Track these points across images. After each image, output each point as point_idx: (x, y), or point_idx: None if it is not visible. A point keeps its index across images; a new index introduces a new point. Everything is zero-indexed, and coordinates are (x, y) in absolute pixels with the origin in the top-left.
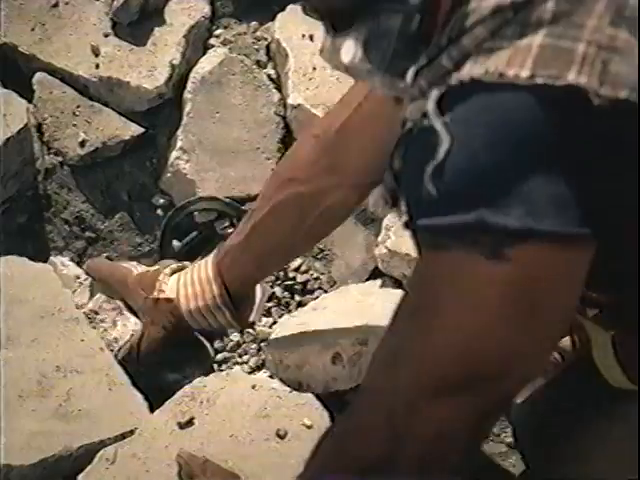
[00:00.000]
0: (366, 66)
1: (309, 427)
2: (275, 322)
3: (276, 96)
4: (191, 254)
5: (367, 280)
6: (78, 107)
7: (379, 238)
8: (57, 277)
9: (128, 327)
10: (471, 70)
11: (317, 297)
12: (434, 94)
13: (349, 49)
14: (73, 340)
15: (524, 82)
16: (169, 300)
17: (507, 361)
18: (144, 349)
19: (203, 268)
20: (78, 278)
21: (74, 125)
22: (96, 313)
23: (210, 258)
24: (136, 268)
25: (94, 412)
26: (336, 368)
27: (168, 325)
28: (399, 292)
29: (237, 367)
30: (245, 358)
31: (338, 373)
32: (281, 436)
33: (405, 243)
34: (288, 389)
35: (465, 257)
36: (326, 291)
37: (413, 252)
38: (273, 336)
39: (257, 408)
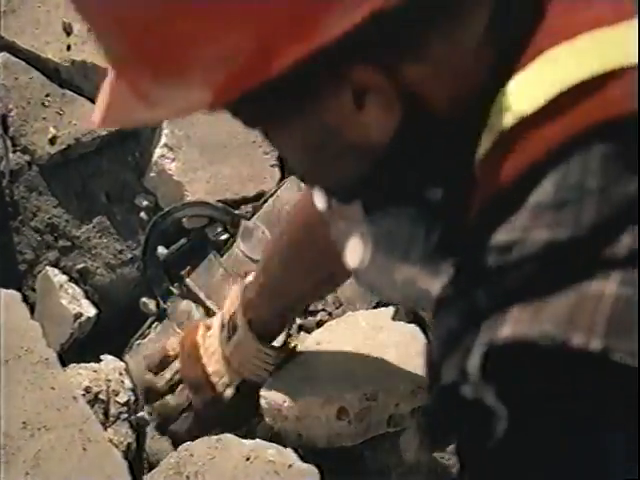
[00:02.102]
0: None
1: None
2: None
3: None
4: (179, 263)
5: (378, 304)
6: (47, 96)
7: None
8: (24, 306)
9: None
10: (520, 327)
11: (320, 320)
12: (473, 362)
13: (355, 250)
14: (42, 389)
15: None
16: None
17: None
18: None
19: None
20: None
21: (43, 118)
22: None
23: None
24: None
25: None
26: (341, 423)
27: None
28: (413, 328)
29: None
30: None
31: (343, 429)
32: None
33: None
34: (287, 463)
35: None
36: (330, 313)
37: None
38: (269, 379)
39: None
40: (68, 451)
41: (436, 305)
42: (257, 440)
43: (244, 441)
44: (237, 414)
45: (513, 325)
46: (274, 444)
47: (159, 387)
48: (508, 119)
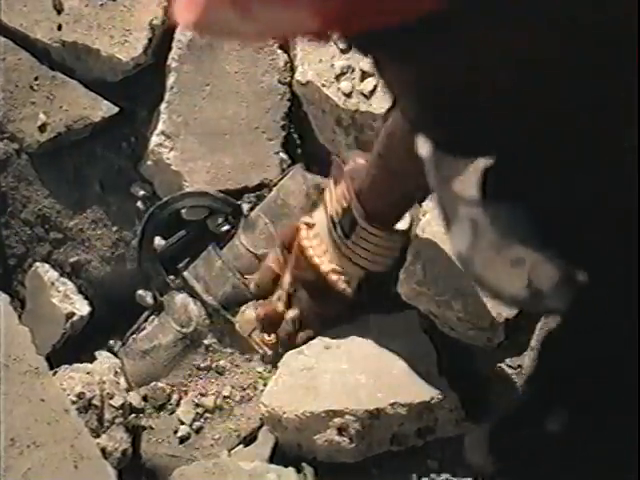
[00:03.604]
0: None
1: None
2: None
3: (282, 59)
4: (177, 256)
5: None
6: (36, 79)
7: (401, 273)
8: (12, 310)
9: None
10: None
11: None
12: None
13: (462, 237)
14: (31, 401)
15: None
16: None
17: None
18: None
19: None
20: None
21: (32, 103)
22: None
23: None
24: None
25: None
26: (342, 440)
27: None
28: (424, 338)
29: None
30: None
31: (344, 446)
32: None
33: (435, 282)
34: None
35: None
36: None
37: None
38: (272, 384)
39: None
40: (59, 469)
41: None
42: (256, 463)
43: (242, 465)
44: (362, 307)
45: None
46: (274, 466)
47: (279, 311)
48: None
